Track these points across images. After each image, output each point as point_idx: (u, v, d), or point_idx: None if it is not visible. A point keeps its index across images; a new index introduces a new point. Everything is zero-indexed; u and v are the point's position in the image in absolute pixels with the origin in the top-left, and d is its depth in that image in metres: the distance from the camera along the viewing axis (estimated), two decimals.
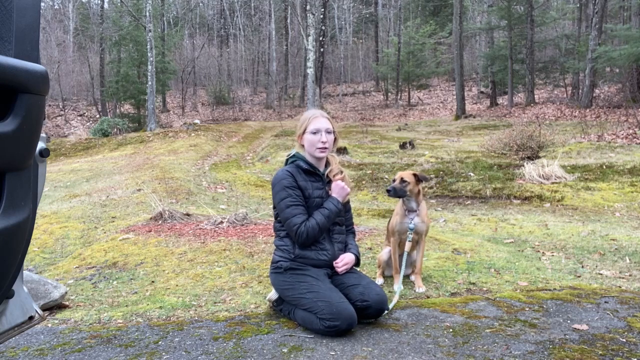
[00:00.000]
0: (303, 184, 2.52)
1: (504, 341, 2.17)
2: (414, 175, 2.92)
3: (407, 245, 2.92)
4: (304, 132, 2.56)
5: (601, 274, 3.38)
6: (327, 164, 2.66)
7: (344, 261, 2.56)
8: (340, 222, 2.66)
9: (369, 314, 2.40)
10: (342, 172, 2.66)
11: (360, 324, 2.39)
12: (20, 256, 1.31)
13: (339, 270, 2.55)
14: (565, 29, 27.47)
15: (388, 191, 2.88)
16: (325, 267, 2.55)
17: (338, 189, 2.54)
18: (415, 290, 2.92)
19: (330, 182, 2.63)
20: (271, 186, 2.60)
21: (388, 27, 38.00)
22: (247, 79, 36.74)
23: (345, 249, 2.66)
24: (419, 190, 2.94)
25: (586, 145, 9.79)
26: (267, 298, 2.66)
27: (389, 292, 2.91)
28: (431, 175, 8.20)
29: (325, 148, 2.53)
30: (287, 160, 2.67)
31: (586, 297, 2.74)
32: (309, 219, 2.47)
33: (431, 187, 7.70)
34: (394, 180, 2.93)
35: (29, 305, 1.45)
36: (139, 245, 4.33)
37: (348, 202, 2.72)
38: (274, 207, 2.59)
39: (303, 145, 2.59)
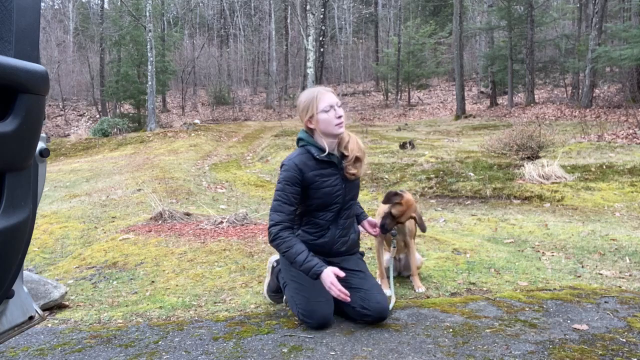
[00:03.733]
0: (311, 175, 2.35)
1: (504, 341, 2.17)
2: (412, 217, 2.80)
3: (394, 252, 2.90)
4: (313, 115, 2.35)
5: (601, 274, 3.38)
6: (340, 142, 2.44)
7: (375, 228, 2.72)
8: (352, 207, 2.56)
9: (368, 320, 2.38)
10: (356, 159, 2.42)
11: (361, 324, 2.40)
12: (20, 256, 1.31)
13: (376, 232, 2.69)
14: (565, 29, 27.47)
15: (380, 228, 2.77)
16: (320, 254, 2.44)
17: (329, 284, 2.24)
18: (415, 291, 2.91)
19: (344, 166, 2.43)
20: (281, 166, 2.42)
21: (388, 27, 38.01)
22: (247, 79, 36.75)
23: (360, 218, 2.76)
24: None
25: (586, 145, 9.78)
26: (269, 264, 2.74)
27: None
28: (431, 175, 8.20)
29: (342, 122, 2.37)
30: (298, 140, 2.48)
31: (586, 297, 2.74)
32: (294, 238, 2.32)
33: (431, 187, 7.70)
34: (387, 216, 2.75)
35: (29, 305, 1.45)
36: (139, 245, 4.33)
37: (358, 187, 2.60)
38: None
39: (312, 130, 2.40)
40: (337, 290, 2.23)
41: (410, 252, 2.98)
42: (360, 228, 2.80)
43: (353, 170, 2.42)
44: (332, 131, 2.36)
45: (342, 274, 2.27)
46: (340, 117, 2.35)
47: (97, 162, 11.76)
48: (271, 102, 30.15)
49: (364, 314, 2.35)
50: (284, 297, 2.57)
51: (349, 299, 2.24)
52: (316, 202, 2.39)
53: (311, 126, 2.38)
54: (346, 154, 2.42)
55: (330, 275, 2.24)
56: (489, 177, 7.75)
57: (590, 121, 15.22)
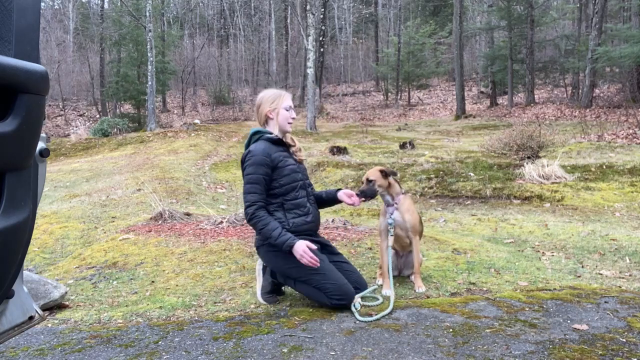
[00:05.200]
0: (277, 155, 2.70)
1: (504, 341, 2.17)
2: (380, 171, 2.93)
3: (390, 240, 2.90)
4: (277, 108, 2.77)
5: (601, 274, 3.38)
6: (284, 137, 2.87)
7: (353, 197, 2.89)
8: (310, 186, 2.91)
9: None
10: (300, 149, 2.92)
11: (361, 324, 2.40)
12: (20, 256, 1.31)
13: (354, 201, 2.88)
14: (565, 29, 27.48)
15: (358, 195, 2.90)
16: (309, 231, 2.77)
17: (301, 252, 2.54)
18: (415, 291, 2.91)
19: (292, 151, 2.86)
20: (244, 158, 2.70)
21: (388, 27, 38.00)
22: (247, 79, 36.70)
23: (326, 198, 2.98)
24: (389, 184, 2.93)
25: (586, 145, 9.79)
26: (258, 268, 2.89)
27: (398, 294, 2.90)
28: (431, 175, 8.20)
29: (292, 123, 2.85)
30: (250, 138, 2.78)
31: (586, 297, 2.74)
32: (269, 217, 2.62)
33: (431, 187, 7.70)
34: (362, 183, 2.98)
35: (29, 305, 1.45)
36: (139, 245, 4.33)
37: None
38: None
39: (269, 120, 2.79)
40: (309, 257, 2.54)
41: (414, 250, 2.97)
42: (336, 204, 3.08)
43: (301, 155, 2.91)
44: (285, 127, 2.82)
45: (313, 246, 2.59)
46: (293, 118, 2.84)
47: (97, 162, 11.76)
48: None
49: (356, 289, 2.72)
50: (298, 288, 2.73)
51: (318, 264, 2.56)
52: (285, 179, 2.69)
53: (271, 116, 2.78)
54: (292, 144, 2.87)
55: (302, 246, 2.55)
56: (489, 177, 7.75)
57: (590, 121, 15.22)
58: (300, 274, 2.62)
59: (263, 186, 2.64)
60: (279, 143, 2.77)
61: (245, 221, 4.89)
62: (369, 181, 2.90)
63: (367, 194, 2.89)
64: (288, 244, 2.54)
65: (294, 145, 2.88)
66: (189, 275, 3.46)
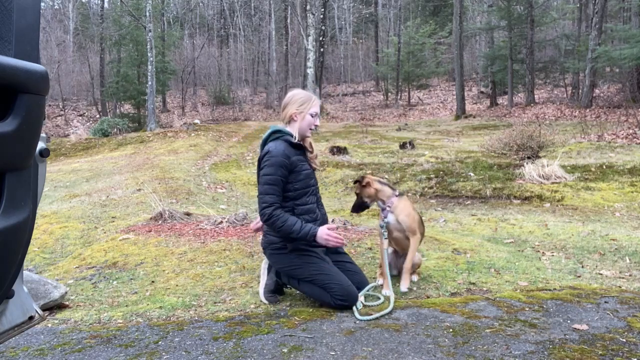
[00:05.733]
0: (295, 159, 2.71)
1: (504, 341, 2.17)
2: (357, 181, 3.03)
3: (385, 242, 2.94)
4: (303, 111, 2.76)
5: (601, 274, 3.38)
6: (303, 141, 2.88)
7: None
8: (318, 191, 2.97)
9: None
10: (317, 156, 2.96)
11: (361, 324, 2.40)
12: (20, 256, 1.31)
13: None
14: (565, 29, 27.47)
15: (352, 211, 3.10)
16: None
17: (325, 237, 2.61)
18: (400, 289, 2.89)
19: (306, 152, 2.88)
20: (262, 157, 2.70)
21: (388, 27, 38.00)
22: (247, 79, 36.71)
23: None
24: (376, 190, 2.95)
25: (586, 145, 9.79)
26: (263, 266, 2.92)
27: (395, 294, 2.90)
28: (431, 175, 8.20)
29: (313, 130, 2.85)
30: (269, 135, 2.77)
31: (586, 297, 2.74)
32: (286, 214, 2.64)
33: (431, 187, 7.70)
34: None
35: (29, 305, 1.45)
36: (139, 245, 4.33)
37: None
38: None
39: (292, 121, 2.78)
40: (334, 239, 2.63)
41: (411, 248, 2.96)
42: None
43: (316, 163, 2.93)
44: (305, 132, 2.81)
45: (333, 225, 2.72)
46: (317, 125, 2.84)
47: (97, 162, 11.76)
48: (271, 102, 30.13)
49: (358, 289, 2.76)
50: (302, 288, 2.77)
51: (345, 243, 2.74)
52: (299, 184, 2.72)
53: (295, 118, 2.77)
54: (310, 150, 2.89)
55: (324, 230, 2.64)
56: (489, 177, 7.75)
57: (590, 121, 15.21)
58: (305, 274, 2.67)
59: (280, 188, 2.65)
60: (299, 147, 2.77)
61: (245, 221, 4.91)
62: (355, 194, 3.04)
63: (356, 209, 3.05)
64: (312, 234, 2.60)
65: (312, 152, 2.89)
66: (189, 275, 3.46)
